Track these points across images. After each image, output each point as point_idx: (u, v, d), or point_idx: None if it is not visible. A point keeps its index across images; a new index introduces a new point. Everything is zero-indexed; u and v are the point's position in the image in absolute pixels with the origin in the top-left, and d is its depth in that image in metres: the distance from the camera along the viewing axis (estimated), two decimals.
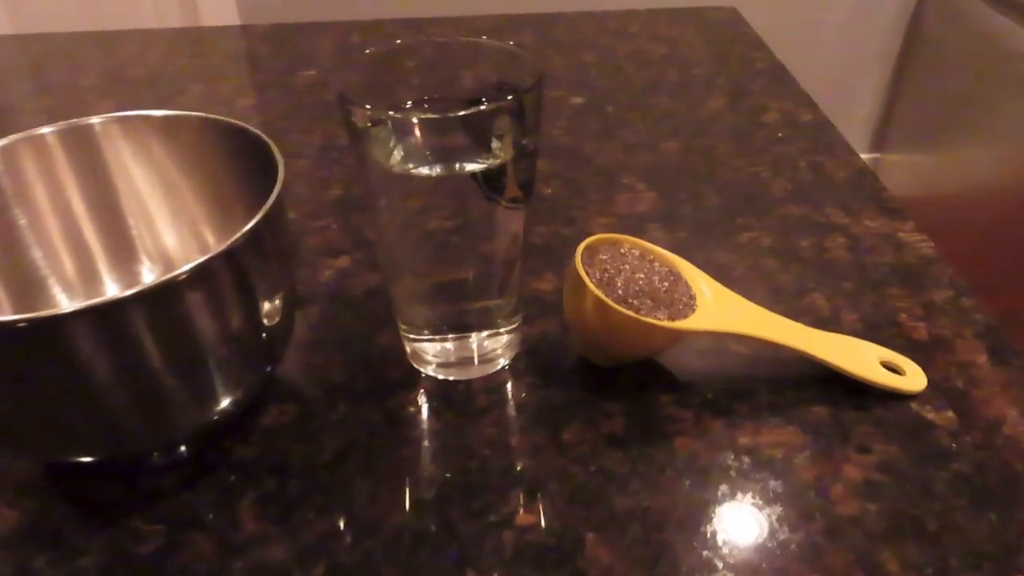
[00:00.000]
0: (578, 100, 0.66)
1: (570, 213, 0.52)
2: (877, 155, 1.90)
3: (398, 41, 0.37)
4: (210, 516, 0.34)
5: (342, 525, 0.33)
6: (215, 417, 0.33)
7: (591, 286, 0.36)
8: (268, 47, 0.78)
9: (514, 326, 0.40)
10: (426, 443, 0.37)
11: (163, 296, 0.28)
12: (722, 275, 0.45)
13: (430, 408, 0.38)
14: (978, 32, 1.47)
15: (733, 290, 0.40)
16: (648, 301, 0.37)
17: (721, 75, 0.69)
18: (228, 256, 0.29)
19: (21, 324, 0.26)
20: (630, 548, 0.32)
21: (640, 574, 0.31)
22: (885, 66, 1.82)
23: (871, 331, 0.42)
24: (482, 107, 0.33)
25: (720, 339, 0.41)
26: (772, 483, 0.34)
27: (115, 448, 0.32)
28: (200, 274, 0.29)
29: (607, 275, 0.38)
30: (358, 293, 0.46)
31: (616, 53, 0.74)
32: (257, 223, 0.30)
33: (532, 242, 0.49)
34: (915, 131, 1.77)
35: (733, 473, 0.35)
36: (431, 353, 0.40)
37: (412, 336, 0.40)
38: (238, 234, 0.30)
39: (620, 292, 0.37)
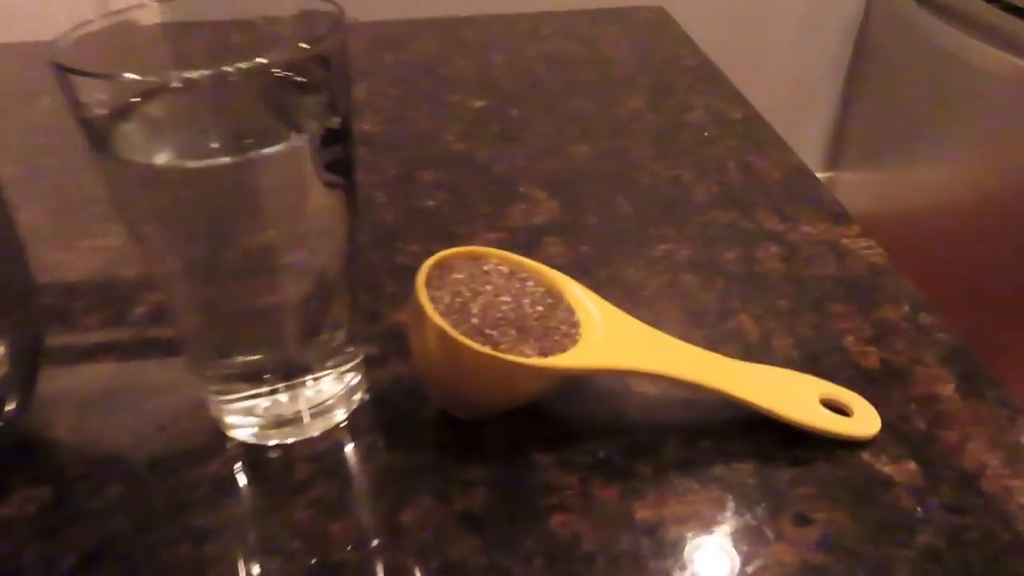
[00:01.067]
0: (478, 104, 0.58)
1: (452, 228, 0.43)
2: (831, 174, 1.86)
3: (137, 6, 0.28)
4: None
5: None
6: None
7: (431, 314, 0.27)
8: None
9: (349, 367, 0.31)
10: (215, 535, 0.27)
11: None
12: (628, 296, 0.36)
13: (230, 485, 0.29)
14: (926, 43, 1.43)
15: (639, 314, 0.31)
16: (512, 332, 0.28)
17: (643, 73, 0.62)
18: None
19: None
20: None
21: None
22: (834, 83, 1.78)
23: (810, 360, 0.33)
24: (264, 60, 0.24)
25: (620, 378, 0.32)
26: (679, 574, 0.25)
27: None
28: None
29: (461, 299, 0.29)
30: (154, 330, 0.36)
31: (526, 54, 0.66)
32: None
33: (399, 264, 0.40)
34: (869, 147, 1.73)
35: (627, 561, 0.26)
36: (237, 414, 0.30)
37: (214, 395, 0.30)
38: None
39: (475, 321, 0.28)
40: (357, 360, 0.31)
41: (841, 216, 0.43)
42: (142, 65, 0.28)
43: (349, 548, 0.26)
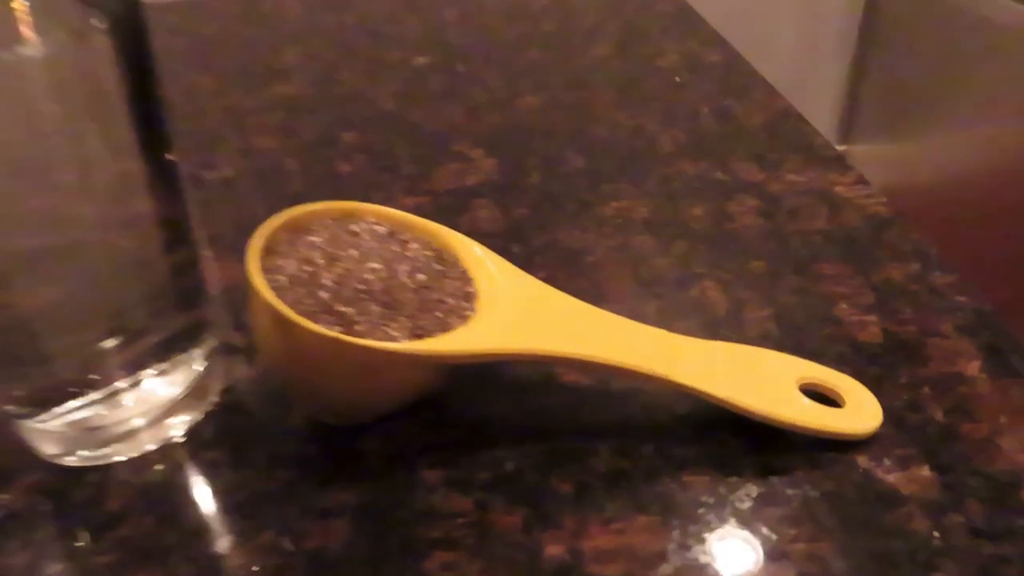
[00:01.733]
0: (421, 60, 0.50)
1: (367, 194, 0.36)
2: (844, 147, 1.76)
3: None
4: None
5: None
6: None
7: (260, 288, 0.20)
8: None
9: (192, 363, 0.24)
10: None
11: None
12: (567, 263, 0.29)
13: (20, 522, 0.22)
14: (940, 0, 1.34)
15: (578, 284, 0.24)
16: (375, 308, 0.21)
17: (612, 21, 0.54)
18: None
19: None
20: None
21: None
22: (845, 49, 1.69)
23: (792, 335, 0.26)
24: None
25: (542, 366, 0.25)
26: None
27: None
28: None
29: (310, 268, 0.22)
30: None
31: (484, 8, 0.59)
32: None
33: None
34: (884, 117, 1.63)
35: None
36: (48, 432, 0.23)
37: (15, 413, 0.23)
38: None
39: (324, 296, 0.21)
40: (200, 354, 0.24)
41: (835, 161, 0.35)
42: None
43: None
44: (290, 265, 0.21)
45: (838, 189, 0.33)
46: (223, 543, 0.21)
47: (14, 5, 0.19)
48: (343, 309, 0.21)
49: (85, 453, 0.23)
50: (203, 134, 0.43)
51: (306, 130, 0.43)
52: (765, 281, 0.28)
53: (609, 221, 0.33)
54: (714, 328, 0.26)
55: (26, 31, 0.20)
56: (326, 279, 0.21)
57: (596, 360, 0.22)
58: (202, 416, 0.24)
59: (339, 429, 0.23)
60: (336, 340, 0.19)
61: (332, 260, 0.22)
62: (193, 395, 0.24)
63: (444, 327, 0.21)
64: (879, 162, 1.66)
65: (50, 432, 0.23)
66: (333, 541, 0.20)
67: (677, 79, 0.45)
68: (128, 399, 0.23)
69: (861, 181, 0.33)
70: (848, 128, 1.80)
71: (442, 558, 0.20)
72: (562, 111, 0.42)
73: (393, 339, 0.20)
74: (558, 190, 0.35)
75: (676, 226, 0.32)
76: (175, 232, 0.23)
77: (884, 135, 1.66)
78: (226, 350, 0.26)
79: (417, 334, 0.21)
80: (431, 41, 0.54)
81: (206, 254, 0.28)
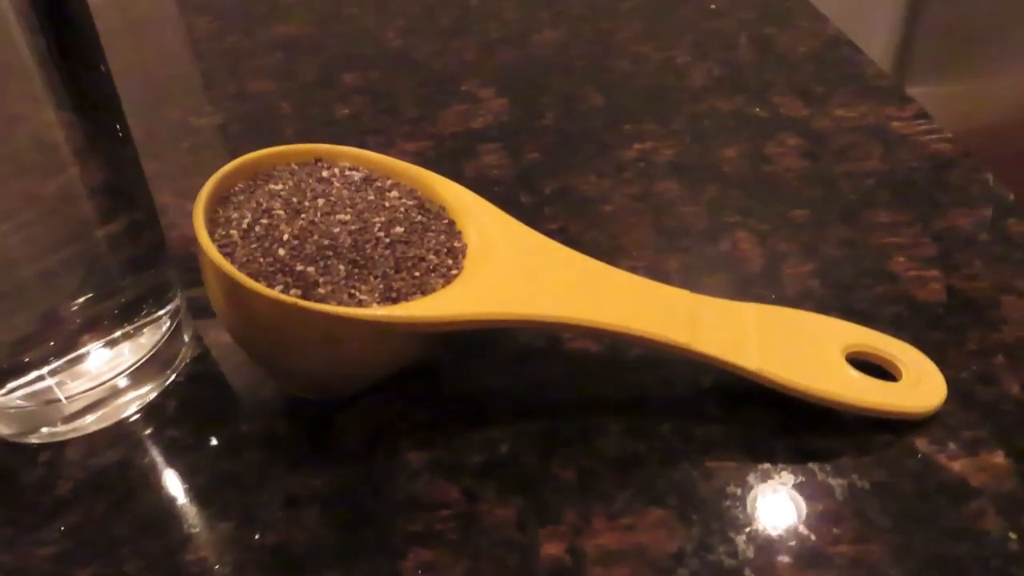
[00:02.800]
0: None
1: (364, 139, 0.33)
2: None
3: None
4: None
5: None
6: None
7: (206, 245, 0.17)
8: None
9: (153, 328, 0.21)
10: None
11: None
12: (580, 213, 0.26)
13: None
14: None
15: (592, 237, 0.21)
16: (341, 267, 0.18)
17: None
18: None
19: None
20: None
21: None
22: None
23: (838, 294, 0.22)
24: None
25: (546, 331, 0.22)
26: None
27: None
28: None
29: (268, 220, 0.19)
30: None
31: None
32: None
33: None
34: (941, 57, 1.53)
35: None
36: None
37: None
38: None
39: (282, 252, 0.18)
40: (163, 320, 0.22)
41: (891, 92, 0.31)
42: None
43: None
44: (245, 217, 0.18)
45: (894, 125, 0.29)
46: (177, 534, 0.18)
47: None
48: (303, 268, 0.18)
49: (44, 431, 0.21)
50: (196, 79, 0.40)
51: (305, 71, 0.39)
52: (808, 231, 0.25)
53: (630, 165, 0.29)
54: (747, 286, 0.23)
55: None
56: (285, 233, 0.18)
57: (603, 326, 0.18)
58: (164, 387, 0.22)
59: (314, 404, 0.21)
60: (292, 305, 0.16)
61: (295, 212, 0.19)
62: (158, 362, 0.22)
63: (423, 288, 0.18)
64: (935, 106, 1.57)
65: (5, 407, 0.21)
66: (299, 534, 0.18)
67: (712, 6, 0.40)
68: (88, 365, 0.21)
69: (921, 115, 0.29)
70: (903, 70, 1.70)
71: (421, 556, 0.17)
72: (583, 45, 0.38)
73: (360, 303, 0.17)
74: (574, 131, 0.32)
75: (706, 169, 0.28)
76: (122, 196, 0.20)
77: (941, 77, 1.56)
78: (196, 313, 0.23)
79: (390, 297, 0.18)
80: None
81: (184, 207, 0.25)
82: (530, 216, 0.22)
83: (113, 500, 0.19)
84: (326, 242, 0.18)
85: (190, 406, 0.21)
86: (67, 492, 0.20)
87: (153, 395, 0.22)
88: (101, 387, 0.21)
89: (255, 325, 0.18)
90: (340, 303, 0.17)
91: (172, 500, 0.19)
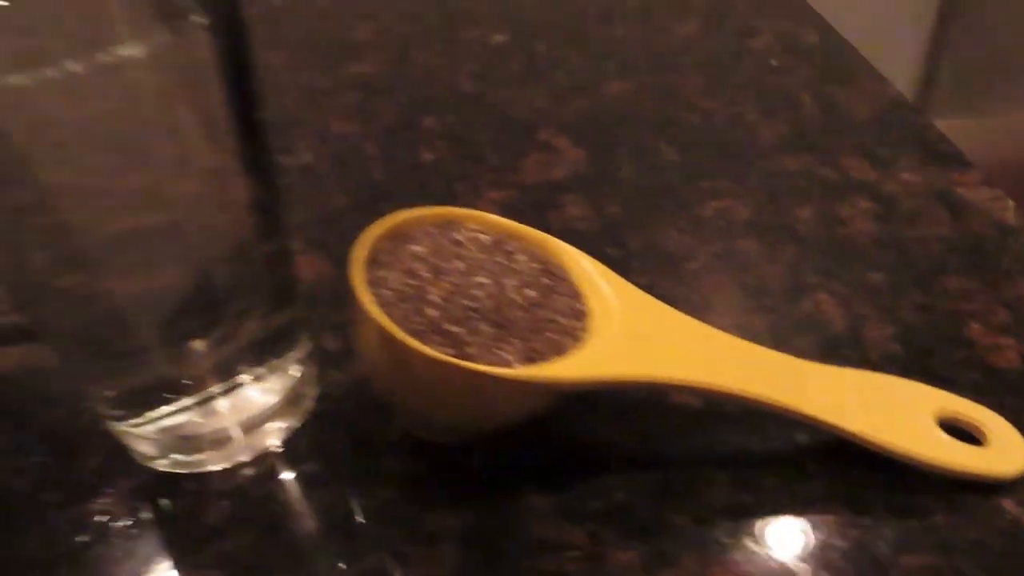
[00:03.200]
0: (499, 39, 0.49)
1: (451, 186, 0.35)
2: None
3: None
4: None
5: None
6: None
7: (367, 304, 0.19)
8: None
9: (288, 369, 0.23)
10: None
11: None
12: (667, 270, 0.28)
13: (118, 532, 0.22)
14: None
15: (682, 294, 0.23)
16: (486, 328, 0.20)
17: None
18: None
19: None
20: None
21: None
22: (925, 17, 1.60)
23: (919, 358, 0.24)
24: None
25: (651, 387, 0.23)
26: None
27: None
28: None
29: (416, 282, 0.20)
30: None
31: None
32: None
33: None
34: (964, 89, 1.56)
35: None
36: (145, 436, 0.23)
37: (110, 415, 0.23)
38: None
39: (433, 313, 0.20)
40: (296, 360, 0.24)
41: (954, 158, 0.33)
42: None
43: None
44: (394, 278, 0.20)
45: (960, 191, 0.31)
46: (328, 565, 0.20)
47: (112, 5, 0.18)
48: (453, 329, 0.19)
49: (179, 458, 0.23)
50: (279, 115, 0.42)
51: (384, 113, 0.41)
52: (885, 295, 0.26)
53: (709, 222, 0.31)
54: (833, 348, 0.25)
55: (126, 29, 0.19)
56: (433, 295, 0.20)
57: (720, 389, 0.20)
58: (298, 425, 0.24)
59: (440, 446, 0.23)
60: (450, 364, 0.18)
61: (438, 273, 0.21)
62: (288, 402, 0.24)
63: (558, 349, 0.20)
64: (956, 139, 1.59)
65: (144, 437, 0.23)
66: (439, 570, 0.20)
67: (773, 62, 0.42)
68: (222, 405, 0.23)
69: (985, 182, 0.31)
70: (924, 102, 1.72)
71: None
72: (650, 97, 0.40)
73: (507, 363, 0.19)
74: (652, 185, 0.33)
75: (782, 229, 0.30)
76: (269, 220, 0.22)
77: (963, 109, 1.58)
78: (320, 354, 0.25)
79: (531, 357, 0.20)
80: (508, 17, 0.52)
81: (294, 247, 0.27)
82: (619, 270, 0.24)
83: (260, 530, 0.21)
84: (470, 304, 0.20)
85: (321, 443, 0.23)
86: (216, 520, 0.22)
87: (287, 432, 0.24)
88: (240, 422, 0.23)
89: (412, 379, 0.20)
90: (489, 362, 0.19)
91: (317, 532, 0.21)
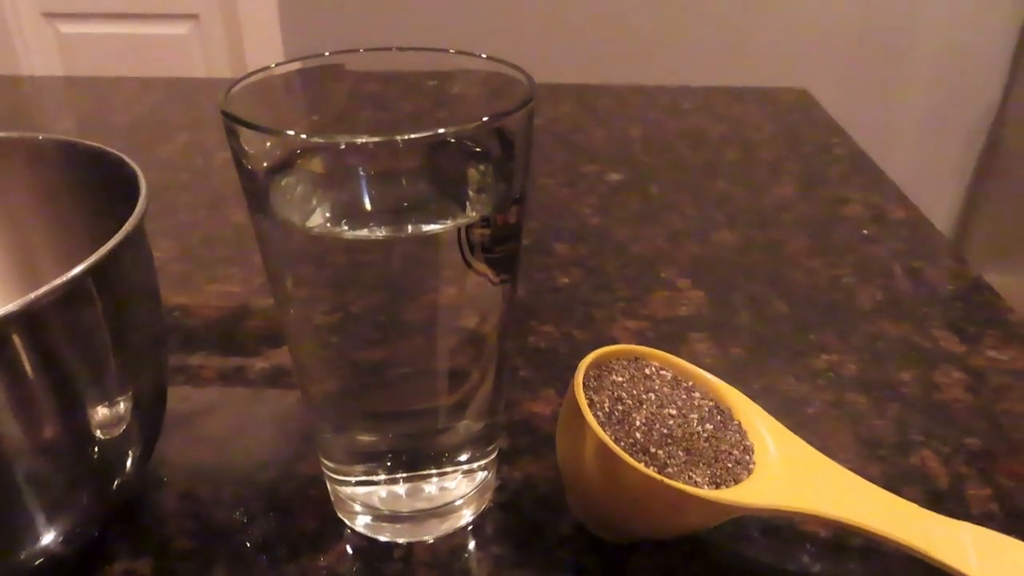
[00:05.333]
0: (616, 177, 0.55)
1: (589, 311, 0.40)
2: None
3: (326, 53, 0.26)
4: None
5: None
6: (35, 560, 0.22)
7: (593, 424, 0.24)
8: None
9: (485, 463, 0.28)
10: None
11: None
12: (788, 412, 0.32)
13: None
14: None
15: (804, 434, 0.27)
16: (680, 453, 0.24)
17: (791, 159, 0.58)
18: (27, 319, 0.18)
19: None
20: None
21: None
22: (960, 181, 1.69)
23: (1017, 522, 0.28)
24: (442, 130, 0.22)
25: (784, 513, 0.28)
26: None
27: None
28: None
29: (622, 407, 0.25)
30: (274, 391, 0.34)
31: (666, 129, 0.63)
32: (88, 268, 0.19)
33: (532, 345, 0.37)
34: (996, 251, 1.62)
35: None
36: (359, 501, 0.27)
37: (335, 475, 0.28)
38: (47, 286, 0.19)
39: (639, 436, 0.24)
40: (492, 456, 0.28)
41: None
42: (309, 119, 0.27)
43: None
44: (605, 402, 0.25)
45: None
46: None
47: None
48: (656, 451, 0.24)
49: (386, 526, 0.27)
50: None
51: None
52: (982, 460, 0.31)
53: (821, 374, 0.36)
54: (939, 501, 0.29)
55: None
56: (636, 420, 0.25)
57: (864, 527, 0.24)
58: (483, 510, 0.28)
59: (609, 544, 0.27)
60: (661, 483, 0.23)
61: (638, 402, 0.26)
62: (479, 491, 0.28)
63: (736, 479, 0.24)
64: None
65: (358, 502, 0.27)
66: None
67: (864, 231, 0.48)
68: (430, 488, 0.27)
69: None
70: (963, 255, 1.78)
71: None
72: (758, 251, 0.46)
73: (697, 484, 0.24)
74: (767, 333, 0.38)
75: (887, 388, 0.35)
76: (502, 338, 0.27)
77: (994, 269, 1.64)
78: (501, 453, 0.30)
79: (715, 482, 0.24)
80: (620, 157, 0.58)
81: None
82: None
83: None
84: (665, 431, 0.25)
85: (504, 529, 0.28)
86: None
87: (476, 516, 0.28)
88: (444, 503, 0.27)
89: (615, 488, 0.24)
90: (685, 483, 0.24)
91: None
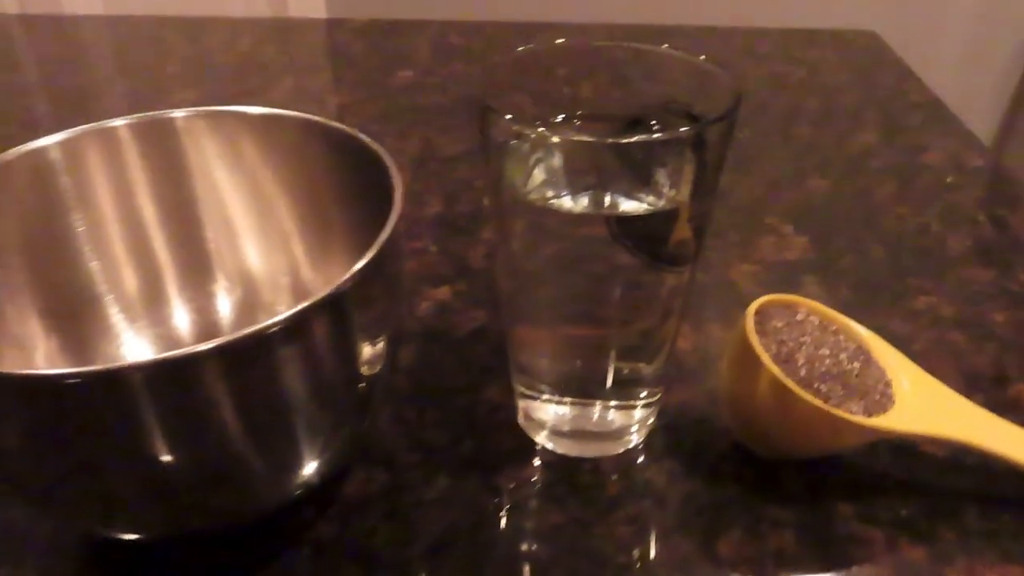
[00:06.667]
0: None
1: (706, 255, 0.44)
2: None
3: (558, 41, 0.30)
4: None
5: None
6: (296, 491, 0.27)
7: (769, 364, 0.29)
8: (361, 43, 0.72)
9: (656, 398, 0.33)
10: (547, 541, 0.29)
11: (248, 351, 0.21)
12: (898, 349, 0.37)
13: (550, 493, 0.31)
14: None
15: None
16: (838, 387, 0.29)
17: (870, 106, 0.61)
18: (332, 303, 0.23)
19: (72, 380, 0.20)
20: None
21: None
22: (998, 104, 1.69)
23: None
24: (654, 136, 0.26)
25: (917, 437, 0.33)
26: None
27: (174, 526, 0.26)
28: (297, 324, 0.22)
29: (785, 348, 0.30)
30: (461, 333, 0.39)
31: (747, 74, 0.66)
32: (370, 262, 0.24)
33: None
34: None
35: None
36: (549, 418, 0.33)
37: (527, 392, 0.33)
38: (346, 275, 0.23)
39: (803, 373, 0.29)
40: (660, 388, 0.33)
41: None
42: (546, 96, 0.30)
43: (676, 570, 0.28)
44: (772, 345, 0.30)
45: None
46: (707, 533, 0.29)
47: None
48: (820, 386, 0.29)
49: (573, 444, 0.33)
50: None
51: None
52: None
53: (922, 315, 0.40)
54: None
55: None
56: (799, 359, 0.30)
57: (987, 449, 0.29)
58: (649, 432, 0.33)
59: (763, 460, 0.32)
60: (827, 412, 0.28)
61: (798, 344, 0.30)
62: (646, 416, 0.33)
63: (882, 408, 0.29)
64: None
65: (553, 421, 0.33)
66: (786, 544, 0.29)
67: (948, 179, 0.52)
68: (613, 414, 0.32)
69: None
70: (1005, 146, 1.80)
71: (872, 571, 0.28)
72: (848, 197, 0.50)
73: (854, 414, 0.29)
74: (868, 276, 0.43)
75: (982, 328, 0.39)
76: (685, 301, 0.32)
77: None
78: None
79: (868, 412, 0.29)
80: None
81: None
82: None
83: (651, 503, 0.31)
84: (823, 369, 0.30)
85: (671, 447, 0.33)
86: (615, 493, 0.31)
87: (647, 436, 0.33)
88: (622, 426, 0.33)
89: (788, 419, 0.29)
90: (846, 412, 0.28)
91: (691, 507, 0.30)
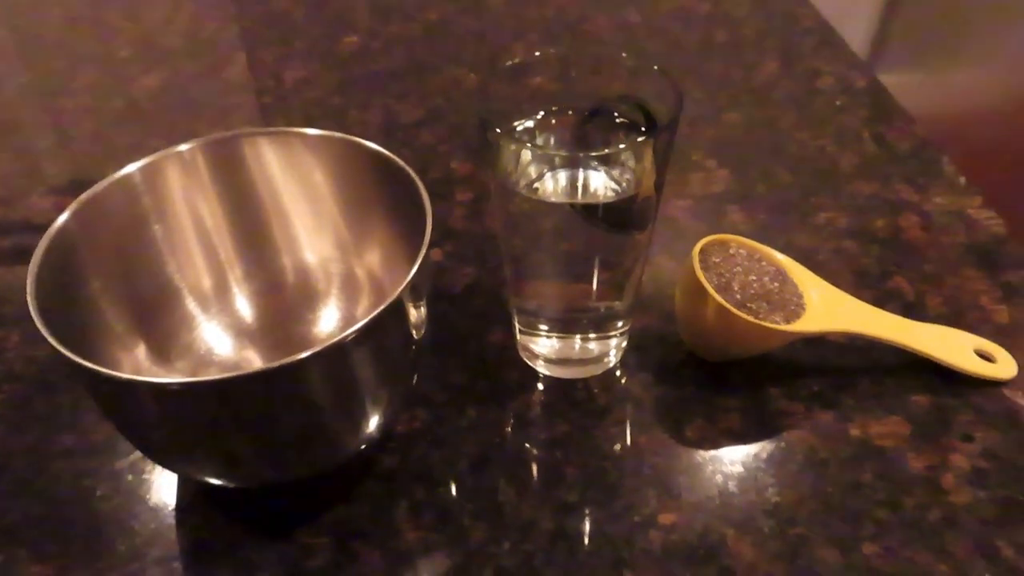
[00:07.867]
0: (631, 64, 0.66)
1: None
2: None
3: (536, 54, 0.37)
4: (370, 527, 0.36)
5: (497, 530, 0.35)
6: (370, 440, 0.35)
7: (713, 293, 0.38)
8: (301, 9, 0.76)
9: (627, 327, 0.42)
10: (559, 445, 0.39)
11: (340, 350, 0.29)
12: (806, 260, 0.47)
13: (554, 409, 0.40)
14: None
15: (819, 276, 0.42)
16: (764, 304, 0.39)
17: (770, 35, 0.69)
18: (396, 305, 0.30)
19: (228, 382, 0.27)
20: (766, 543, 0.35)
21: (780, 569, 0.34)
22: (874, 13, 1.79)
23: (957, 316, 0.44)
24: (620, 147, 0.34)
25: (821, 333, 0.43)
26: (888, 474, 0.37)
27: (288, 474, 0.34)
28: (376, 324, 0.30)
29: (723, 279, 0.39)
30: (458, 289, 0.47)
31: (659, 10, 0.73)
32: (420, 268, 0.31)
33: None
34: (915, 46, 1.75)
35: (850, 466, 0.38)
36: (544, 350, 0.41)
37: (526, 330, 0.41)
38: (404, 283, 0.31)
39: (738, 296, 0.39)
40: (630, 319, 0.42)
41: (966, 188, 0.53)
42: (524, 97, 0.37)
43: (656, 454, 0.38)
44: (713, 277, 0.39)
45: (970, 212, 0.51)
46: (676, 423, 0.39)
47: None
48: (751, 305, 0.38)
49: (567, 369, 0.42)
50: None
51: None
52: (934, 279, 0.46)
53: (822, 229, 0.50)
54: (910, 309, 0.45)
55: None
56: (734, 286, 0.39)
57: (870, 335, 0.40)
58: (622, 354, 0.43)
59: (713, 364, 0.42)
60: (759, 325, 0.37)
61: (732, 274, 0.40)
62: (619, 341, 0.42)
63: (796, 316, 0.39)
64: (905, 92, 1.79)
65: (549, 352, 0.41)
66: (733, 424, 0.39)
67: (837, 102, 0.61)
68: (593, 345, 0.41)
69: (984, 206, 0.51)
70: (877, 58, 1.92)
71: (795, 435, 0.39)
72: (759, 128, 0.59)
73: (777, 324, 0.38)
74: (779, 200, 0.52)
75: (867, 235, 0.49)
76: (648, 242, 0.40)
77: (913, 65, 1.78)
78: None
79: (787, 321, 0.39)
80: (627, 45, 0.69)
81: None
82: None
83: (664, 408, 0.40)
84: (752, 292, 0.39)
85: (642, 363, 0.42)
86: (605, 403, 0.40)
87: (620, 355, 0.42)
88: (602, 352, 0.42)
89: (731, 334, 0.38)
90: (772, 323, 0.38)
91: (663, 405, 0.40)
